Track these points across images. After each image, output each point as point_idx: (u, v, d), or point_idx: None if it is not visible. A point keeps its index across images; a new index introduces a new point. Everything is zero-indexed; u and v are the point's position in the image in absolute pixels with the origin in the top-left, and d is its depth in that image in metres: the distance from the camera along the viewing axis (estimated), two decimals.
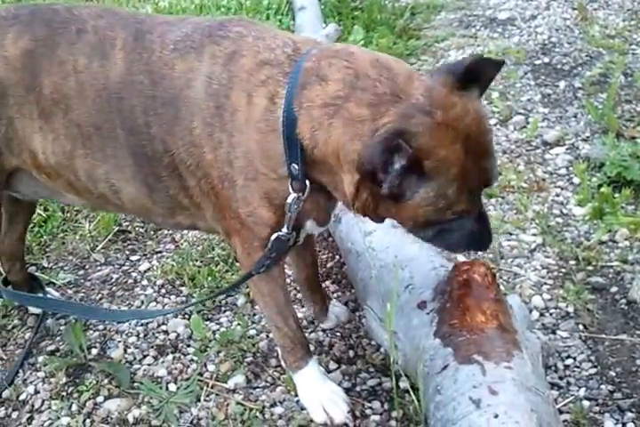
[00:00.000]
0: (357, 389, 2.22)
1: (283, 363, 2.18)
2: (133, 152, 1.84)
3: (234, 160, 1.72)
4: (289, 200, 1.73)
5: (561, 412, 2.07)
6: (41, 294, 2.54)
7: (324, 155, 1.65)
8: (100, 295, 2.72)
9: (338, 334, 2.43)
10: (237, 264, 2.75)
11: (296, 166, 1.68)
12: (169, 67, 1.78)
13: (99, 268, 2.88)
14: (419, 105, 1.54)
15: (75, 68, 1.85)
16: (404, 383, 2.13)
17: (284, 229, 1.79)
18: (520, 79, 4.02)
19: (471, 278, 1.77)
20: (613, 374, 2.23)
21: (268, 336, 2.42)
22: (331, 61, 1.66)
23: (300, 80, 1.65)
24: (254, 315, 2.54)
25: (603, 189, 2.88)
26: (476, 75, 1.63)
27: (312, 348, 2.24)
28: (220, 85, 1.72)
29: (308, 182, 1.71)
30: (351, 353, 2.35)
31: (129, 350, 2.44)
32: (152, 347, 2.44)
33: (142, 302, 2.65)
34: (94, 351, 2.44)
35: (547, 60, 4.22)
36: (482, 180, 1.63)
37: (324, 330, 2.44)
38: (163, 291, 2.71)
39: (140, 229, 3.07)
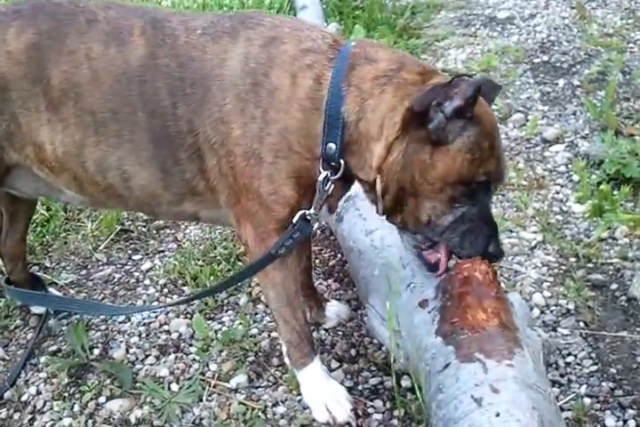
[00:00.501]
0: (359, 387, 2.22)
1: (287, 360, 2.16)
2: (154, 135, 1.86)
3: (265, 137, 1.77)
4: (320, 178, 1.80)
5: (562, 409, 2.07)
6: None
7: (366, 128, 1.76)
8: (102, 295, 2.72)
9: (340, 332, 2.43)
10: (240, 263, 2.76)
11: (333, 146, 1.77)
12: (198, 49, 1.83)
13: (101, 267, 2.88)
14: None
15: (88, 56, 1.86)
16: (405, 382, 2.14)
17: (312, 211, 1.83)
18: (519, 77, 4.03)
19: (472, 276, 1.77)
20: (614, 371, 2.23)
21: (269, 335, 2.43)
22: (376, 48, 1.85)
23: (347, 63, 1.78)
24: (256, 314, 2.54)
25: (602, 187, 2.89)
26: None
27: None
28: (258, 64, 1.78)
29: (342, 161, 1.79)
30: (353, 352, 2.35)
31: (131, 351, 2.44)
32: (154, 347, 2.44)
33: (144, 302, 2.65)
34: (96, 352, 2.44)
35: (546, 58, 4.23)
36: (500, 167, 1.80)
37: (325, 329, 2.44)
38: (165, 290, 2.71)
39: (143, 229, 3.07)
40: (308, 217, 1.84)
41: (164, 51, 1.84)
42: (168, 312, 2.58)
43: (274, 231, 1.87)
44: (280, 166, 1.79)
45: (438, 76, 1.80)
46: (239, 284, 2.57)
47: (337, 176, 1.81)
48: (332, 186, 1.83)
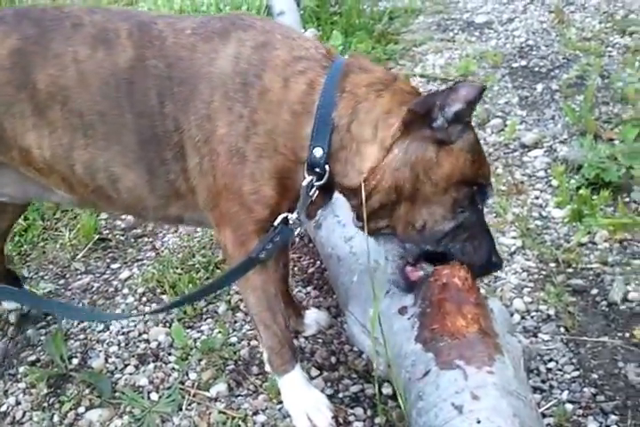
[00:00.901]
0: (340, 395, 2.21)
1: (268, 367, 2.14)
2: (141, 136, 1.85)
3: (251, 136, 1.77)
4: (304, 184, 1.79)
5: (544, 415, 2.07)
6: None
7: (359, 129, 1.76)
8: (80, 304, 2.69)
9: (319, 340, 2.42)
10: (218, 271, 2.74)
11: (320, 151, 1.77)
12: (187, 49, 1.83)
13: (79, 277, 2.85)
14: None
15: (75, 59, 1.85)
16: (386, 389, 2.13)
17: (294, 215, 1.82)
18: (498, 82, 4.05)
19: (451, 283, 1.75)
20: (596, 376, 2.23)
21: (249, 344, 2.41)
22: (369, 62, 1.89)
23: (342, 71, 1.80)
24: (235, 322, 2.52)
25: (581, 192, 2.90)
26: None
27: None
28: (250, 65, 1.78)
29: (327, 167, 1.78)
30: (333, 359, 2.34)
31: (110, 360, 2.41)
32: (133, 356, 2.42)
33: (123, 311, 2.63)
34: (75, 361, 2.41)
35: (524, 63, 4.25)
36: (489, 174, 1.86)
37: (305, 337, 2.43)
38: (144, 299, 2.68)
39: (121, 238, 3.05)
40: (291, 221, 1.83)
41: (152, 52, 1.84)
42: (147, 321, 2.55)
43: (253, 234, 1.85)
44: (263, 166, 1.78)
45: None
46: (219, 291, 2.55)
47: (322, 182, 1.80)
48: (317, 192, 1.82)
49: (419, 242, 1.81)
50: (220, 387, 2.24)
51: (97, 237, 3.04)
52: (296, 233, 1.89)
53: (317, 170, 1.79)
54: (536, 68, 4.17)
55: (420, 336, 1.69)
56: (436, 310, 1.71)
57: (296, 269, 2.75)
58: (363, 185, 1.77)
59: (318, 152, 1.77)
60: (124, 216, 3.11)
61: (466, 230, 1.80)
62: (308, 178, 1.80)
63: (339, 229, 2.30)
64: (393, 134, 1.74)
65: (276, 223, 1.83)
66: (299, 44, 1.84)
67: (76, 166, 1.92)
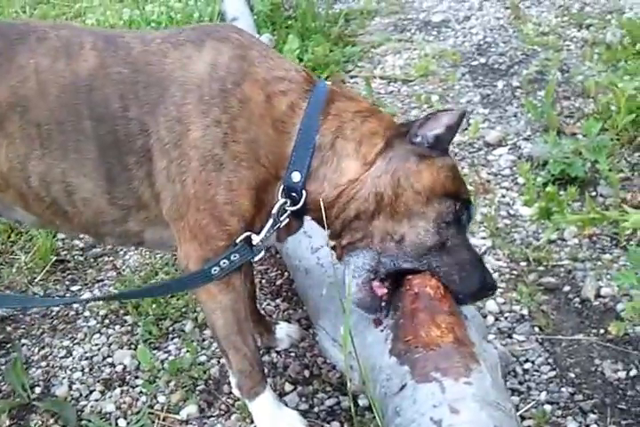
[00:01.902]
0: (315, 410, 2.15)
1: (236, 392, 2.03)
2: (100, 142, 1.79)
3: (230, 143, 1.70)
4: (277, 206, 1.75)
5: (523, 418, 2.05)
6: None
7: (342, 145, 1.76)
8: (40, 330, 2.59)
9: (292, 354, 2.36)
10: None
11: (298, 176, 1.75)
12: (157, 55, 1.79)
13: None
14: None
15: (36, 70, 1.81)
16: (362, 401, 2.08)
17: (259, 237, 1.76)
18: (458, 81, 4.02)
19: (423, 292, 1.70)
20: (573, 375, 2.22)
21: (219, 362, 2.34)
22: (352, 92, 1.93)
23: (326, 97, 1.79)
24: (203, 340, 2.44)
25: (548, 189, 2.87)
26: None
27: (265, 370, 2.15)
28: (229, 73, 1.74)
29: (304, 192, 1.76)
30: (307, 373, 2.28)
31: (74, 387, 2.32)
32: (98, 381, 2.33)
33: (85, 335, 2.53)
34: (38, 390, 2.32)
35: (483, 60, 4.23)
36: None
37: (277, 351, 2.36)
38: (106, 321, 2.59)
39: (80, 258, 2.95)
40: (254, 242, 1.76)
41: (116, 60, 1.80)
42: (111, 344, 2.47)
43: (223, 249, 1.76)
44: (241, 175, 1.71)
45: None
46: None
47: (296, 207, 1.77)
48: (288, 220, 1.79)
49: (397, 256, 1.74)
50: (190, 409, 2.17)
51: (54, 258, 2.92)
52: (257, 258, 1.80)
53: (293, 194, 1.76)
54: (495, 66, 4.16)
55: (395, 349, 1.64)
56: (409, 320, 1.66)
57: (264, 281, 2.68)
58: (338, 197, 1.75)
59: (296, 177, 1.75)
60: (81, 235, 3.01)
61: (451, 251, 1.75)
62: (282, 200, 1.76)
63: (305, 240, 2.23)
64: (377, 151, 1.75)
65: (238, 240, 1.75)
66: (278, 65, 1.82)
67: (31, 179, 1.86)
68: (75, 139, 1.80)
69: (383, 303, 1.76)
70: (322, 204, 1.77)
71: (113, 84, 1.78)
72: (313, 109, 1.76)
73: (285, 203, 1.76)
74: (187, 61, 1.77)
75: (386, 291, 1.75)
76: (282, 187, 1.77)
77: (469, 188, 3.05)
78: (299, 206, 1.77)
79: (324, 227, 1.83)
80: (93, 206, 1.87)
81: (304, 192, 1.76)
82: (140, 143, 1.76)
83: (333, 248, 1.84)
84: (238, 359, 1.93)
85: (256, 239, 1.76)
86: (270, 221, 1.76)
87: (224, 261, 1.75)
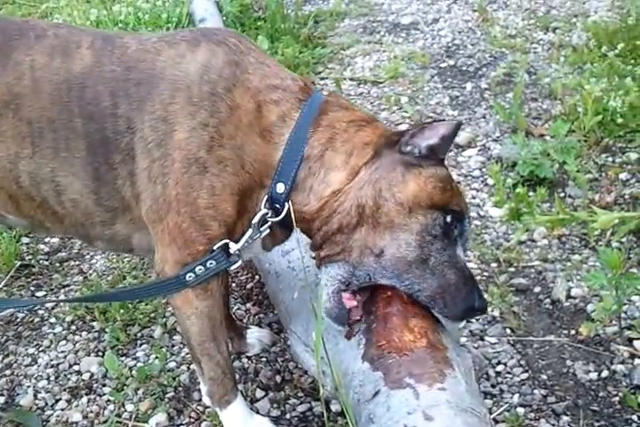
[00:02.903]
0: (287, 416, 2.12)
1: (207, 400, 1.98)
2: (90, 140, 1.75)
3: (216, 147, 1.67)
4: (257, 215, 1.72)
5: (496, 421, 2.04)
6: None
7: (331, 157, 1.72)
8: (5, 337, 2.52)
9: (263, 359, 2.33)
10: None
11: (282, 187, 1.71)
12: (151, 52, 1.77)
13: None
14: None
15: (31, 67, 1.78)
16: (335, 406, 2.06)
17: (237, 246, 1.72)
18: (427, 83, 4.02)
19: (395, 295, 1.68)
20: (545, 377, 2.22)
21: (189, 368, 2.30)
22: (347, 102, 1.87)
23: (320, 108, 1.75)
24: (173, 346, 2.40)
25: (518, 190, 2.87)
26: None
27: (237, 377, 2.12)
28: (220, 78, 1.71)
29: (287, 204, 1.72)
30: (278, 378, 2.25)
31: (39, 396, 2.26)
32: (64, 390, 2.28)
33: (51, 342, 2.47)
34: (1, 400, 2.26)
35: (452, 62, 4.24)
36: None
37: (248, 356, 2.33)
38: (73, 328, 2.53)
39: (45, 262, 2.88)
40: (231, 250, 1.72)
41: (110, 59, 1.77)
42: (77, 351, 2.42)
43: (202, 254, 1.72)
44: (226, 181, 1.68)
45: None
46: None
47: (277, 219, 1.73)
48: (268, 230, 1.75)
49: (375, 270, 1.67)
50: (159, 417, 2.13)
51: (19, 263, 2.86)
52: (233, 267, 1.76)
53: (277, 205, 1.72)
54: (464, 68, 4.17)
55: (367, 354, 1.61)
56: (382, 325, 1.63)
57: (234, 284, 2.64)
58: (321, 209, 1.71)
59: (280, 188, 1.71)
60: (47, 239, 2.95)
61: (436, 269, 1.66)
62: (264, 211, 1.72)
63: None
64: (364, 161, 1.70)
65: (215, 247, 1.71)
66: (273, 73, 1.78)
67: (22, 178, 1.83)
68: (65, 137, 1.77)
69: (356, 317, 1.70)
70: (305, 215, 1.74)
71: (105, 81, 1.75)
72: (304, 121, 1.73)
73: (267, 214, 1.73)
74: (179, 60, 1.74)
75: (355, 304, 1.69)
76: (266, 197, 1.73)
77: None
78: (280, 218, 1.73)
79: (310, 238, 1.80)
80: (81, 207, 1.83)
81: (287, 204, 1.72)
82: (125, 141, 1.73)
83: (314, 258, 1.79)
84: (211, 367, 1.89)
85: (234, 247, 1.72)
86: (250, 230, 1.73)
87: (199, 267, 1.71)
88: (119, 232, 1.88)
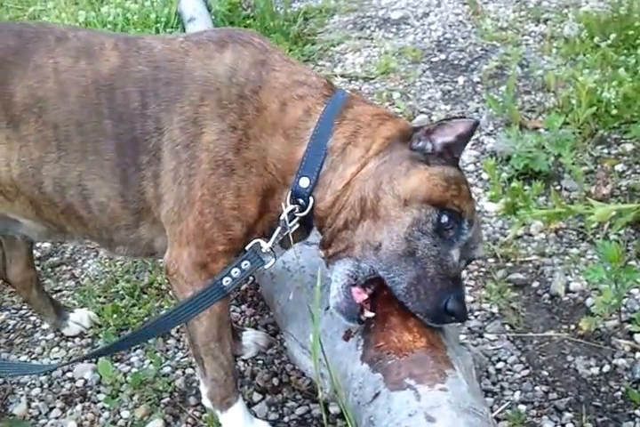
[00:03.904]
0: (285, 419, 2.09)
1: (207, 403, 1.94)
2: (119, 141, 1.76)
3: (243, 149, 1.70)
4: (285, 212, 1.71)
5: (498, 419, 2.02)
6: None
7: (351, 151, 1.72)
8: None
9: (260, 361, 2.29)
10: (145, 296, 2.59)
11: (307, 181, 1.71)
12: (179, 52, 1.79)
13: None
14: None
15: (55, 69, 1.77)
16: (334, 408, 2.03)
17: (268, 244, 1.72)
18: (419, 78, 4.00)
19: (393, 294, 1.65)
20: (546, 373, 2.20)
21: (184, 373, 2.27)
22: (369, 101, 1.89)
23: (344, 102, 1.77)
24: (167, 351, 2.36)
25: (514, 184, 2.84)
26: None
27: None
28: (248, 80, 1.74)
29: (311, 199, 1.72)
30: (275, 381, 2.22)
31: (33, 404, 2.23)
32: (58, 398, 2.24)
33: (44, 349, 2.43)
34: None
35: (443, 56, 4.22)
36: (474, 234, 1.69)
37: (244, 359, 2.30)
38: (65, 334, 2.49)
39: (36, 267, 2.83)
40: (264, 250, 1.72)
41: (137, 59, 1.79)
42: (70, 358, 2.37)
43: (222, 254, 1.73)
44: (251, 182, 1.70)
45: None
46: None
47: (305, 213, 1.72)
48: (297, 225, 1.73)
49: (374, 263, 1.62)
50: (155, 423, 2.09)
51: None
52: (267, 266, 1.75)
53: (301, 201, 1.72)
54: (456, 61, 4.15)
55: (366, 356, 1.58)
56: (380, 325, 1.60)
57: None
58: (332, 206, 1.71)
59: (304, 182, 1.71)
60: (38, 244, 2.91)
61: (418, 264, 1.60)
62: (290, 207, 1.71)
63: None
64: (374, 153, 1.70)
65: (247, 247, 1.72)
66: (299, 70, 1.81)
67: (44, 184, 1.82)
68: (94, 140, 1.77)
69: (369, 314, 1.63)
70: (319, 213, 1.74)
71: (134, 82, 1.75)
72: (329, 113, 1.74)
73: (294, 209, 1.72)
74: (208, 61, 1.76)
75: (366, 297, 1.62)
76: (290, 193, 1.73)
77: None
78: (306, 213, 1.72)
79: (322, 235, 1.79)
80: (108, 211, 1.83)
81: (311, 198, 1.72)
82: (153, 141, 1.74)
83: (323, 258, 1.76)
84: (214, 367, 1.87)
85: (265, 246, 1.72)
86: (279, 228, 1.72)
87: (235, 270, 1.71)
88: (143, 236, 1.88)
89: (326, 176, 1.72)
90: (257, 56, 1.78)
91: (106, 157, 1.77)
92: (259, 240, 1.73)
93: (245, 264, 1.72)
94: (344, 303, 1.62)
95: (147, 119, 1.74)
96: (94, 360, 2.33)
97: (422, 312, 1.59)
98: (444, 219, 1.62)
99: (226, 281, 1.71)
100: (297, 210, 1.72)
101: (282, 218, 1.72)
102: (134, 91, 1.75)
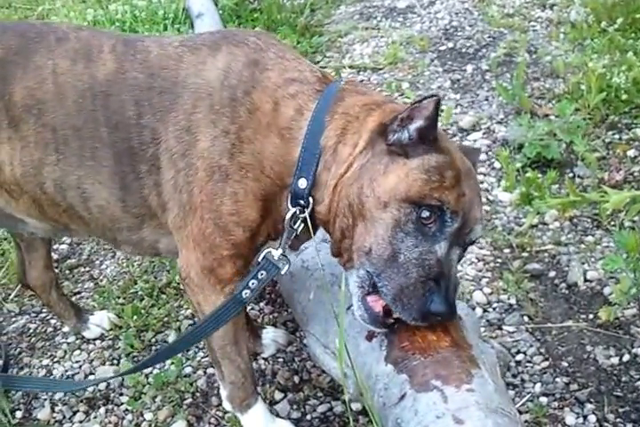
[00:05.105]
0: (308, 417, 2.10)
1: (228, 405, 1.97)
2: (116, 149, 1.75)
3: (237, 154, 1.67)
4: (288, 216, 1.69)
5: (520, 412, 2.01)
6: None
7: (342, 150, 1.67)
8: (18, 349, 2.49)
9: (280, 359, 2.30)
10: (164, 296, 2.59)
11: (305, 182, 1.68)
12: (173, 59, 1.77)
13: (14, 319, 2.64)
14: None
15: (54, 71, 1.77)
16: (356, 405, 2.04)
17: (279, 251, 1.71)
18: (427, 67, 3.97)
19: None
20: (566, 364, 2.20)
21: (205, 373, 2.27)
22: (366, 88, 1.79)
23: (336, 95, 1.72)
24: (187, 351, 2.36)
25: (528, 174, 2.84)
26: None
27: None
28: (240, 82, 1.70)
29: (311, 199, 1.69)
30: (296, 379, 2.22)
31: (57, 408, 2.23)
32: (81, 401, 2.25)
33: (65, 352, 2.44)
34: (19, 414, 2.23)
35: (451, 45, 4.19)
36: (469, 216, 1.60)
37: (264, 358, 2.30)
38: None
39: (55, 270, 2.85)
40: (275, 257, 1.71)
41: (133, 65, 1.77)
42: (92, 360, 2.39)
43: (227, 259, 1.72)
44: (248, 187, 1.68)
45: None
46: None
47: (306, 213, 1.69)
48: (302, 225, 1.71)
49: (369, 267, 1.59)
50: (179, 425, 2.10)
51: None
52: (283, 271, 1.73)
53: (302, 202, 1.69)
54: (463, 50, 4.11)
55: (390, 356, 1.58)
56: (403, 325, 1.59)
57: None
58: (329, 211, 1.68)
59: (302, 183, 1.68)
60: (55, 246, 2.91)
61: (403, 267, 1.55)
62: (293, 210, 1.69)
63: None
64: (357, 153, 1.65)
65: (260, 258, 1.72)
66: (292, 66, 1.76)
67: (46, 184, 1.82)
68: (91, 146, 1.76)
69: (390, 320, 1.60)
70: (321, 216, 1.71)
71: (129, 89, 1.74)
72: (321, 110, 1.69)
73: (296, 212, 1.69)
74: (201, 67, 1.73)
75: (383, 303, 1.59)
76: (290, 195, 1.70)
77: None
78: (307, 213, 1.69)
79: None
80: (108, 213, 1.83)
81: (310, 199, 1.69)
82: (151, 151, 1.73)
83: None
84: (231, 370, 1.88)
85: (276, 254, 1.71)
86: (285, 232, 1.71)
87: (252, 281, 1.70)
88: (146, 237, 1.88)
89: (322, 176, 1.68)
90: (250, 56, 1.74)
91: (104, 164, 1.77)
92: (270, 249, 1.71)
93: (262, 274, 1.71)
94: (365, 314, 1.61)
95: (143, 129, 1.73)
96: (116, 363, 2.34)
97: (409, 319, 1.56)
98: (425, 214, 1.55)
99: (245, 293, 1.71)
100: (298, 212, 1.70)
101: (286, 221, 1.70)
102: (129, 99, 1.74)
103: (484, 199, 2.89)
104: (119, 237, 1.91)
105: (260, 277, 1.71)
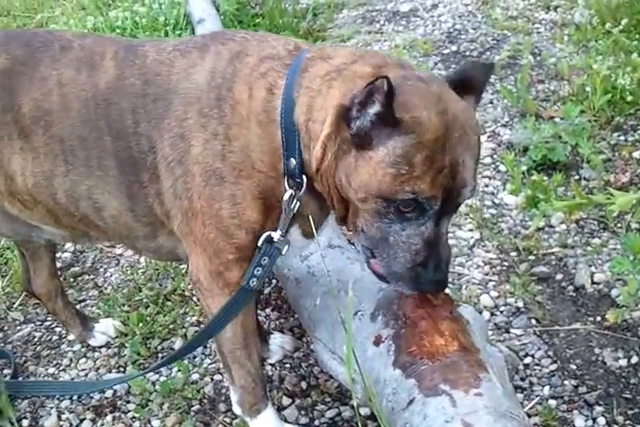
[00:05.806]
0: (316, 423, 2.09)
1: (237, 410, 1.95)
2: (119, 159, 1.75)
3: (227, 155, 1.65)
4: (285, 197, 1.66)
5: (529, 415, 2.00)
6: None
7: (314, 128, 1.59)
8: (23, 358, 2.48)
9: (287, 365, 2.29)
10: (169, 303, 2.59)
11: (293, 160, 1.63)
12: (166, 64, 1.75)
13: (18, 327, 2.64)
14: (419, 76, 1.58)
15: (59, 82, 1.77)
16: (364, 410, 2.02)
17: (278, 233, 1.69)
18: (431, 70, 3.96)
19: (423, 297, 1.64)
20: (574, 367, 2.18)
21: (212, 379, 2.27)
22: (338, 49, 1.71)
23: (302, 66, 1.64)
24: (194, 358, 2.36)
25: (534, 178, 2.83)
26: (469, 83, 1.63)
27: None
28: (224, 79, 1.68)
29: (304, 178, 1.64)
30: (304, 384, 2.21)
31: (63, 417, 2.23)
32: (88, 409, 2.24)
33: (71, 360, 2.43)
34: (25, 423, 2.22)
35: (454, 48, 4.18)
36: (455, 182, 1.52)
37: (271, 364, 2.29)
38: None
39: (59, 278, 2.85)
40: (275, 239, 1.69)
41: (131, 71, 1.76)
42: (98, 368, 2.38)
43: (233, 262, 1.72)
44: (244, 187, 1.66)
45: (396, 68, 1.59)
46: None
47: (301, 192, 1.65)
48: (298, 204, 1.67)
49: (364, 242, 1.62)
50: None
51: None
52: (283, 252, 1.72)
53: (297, 180, 1.65)
54: (467, 53, 4.11)
55: (398, 361, 1.57)
56: (411, 329, 1.59)
57: None
58: (321, 188, 1.66)
59: (292, 162, 1.64)
60: (59, 254, 2.91)
61: (394, 245, 1.57)
62: (289, 191, 1.66)
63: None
64: (325, 132, 1.56)
65: (259, 243, 1.70)
66: (270, 44, 1.72)
67: (58, 195, 1.83)
68: (97, 155, 1.76)
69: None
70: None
71: (127, 97, 1.74)
72: (288, 87, 1.62)
73: (292, 193, 1.66)
74: (191, 71, 1.72)
75: None
76: (286, 177, 1.67)
77: None
78: (302, 192, 1.65)
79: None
80: (122, 223, 1.84)
81: (304, 177, 1.64)
82: (149, 160, 1.73)
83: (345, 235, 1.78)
84: (241, 375, 1.88)
85: (276, 236, 1.69)
86: (283, 213, 1.68)
87: (257, 269, 1.70)
88: (163, 244, 1.88)
89: (305, 155, 1.63)
90: (234, 49, 1.71)
91: (110, 173, 1.77)
92: (269, 233, 1.69)
93: (264, 260, 1.70)
94: (375, 275, 1.66)
95: (140, 138, 1.72)
96: (122, 371, 2.34)
97: (405, 290, 1.61)
98: (401, 207, 1.52)
99: (252, 282, 1.71)
100: (294, 193, 1.66)
101: (283, 202, 1.66)
102: (127, 107, 1.73)
103: (490, 203, 2.90)
104: (138, 245, 1.92)
105: (263, 263, 1.70)
